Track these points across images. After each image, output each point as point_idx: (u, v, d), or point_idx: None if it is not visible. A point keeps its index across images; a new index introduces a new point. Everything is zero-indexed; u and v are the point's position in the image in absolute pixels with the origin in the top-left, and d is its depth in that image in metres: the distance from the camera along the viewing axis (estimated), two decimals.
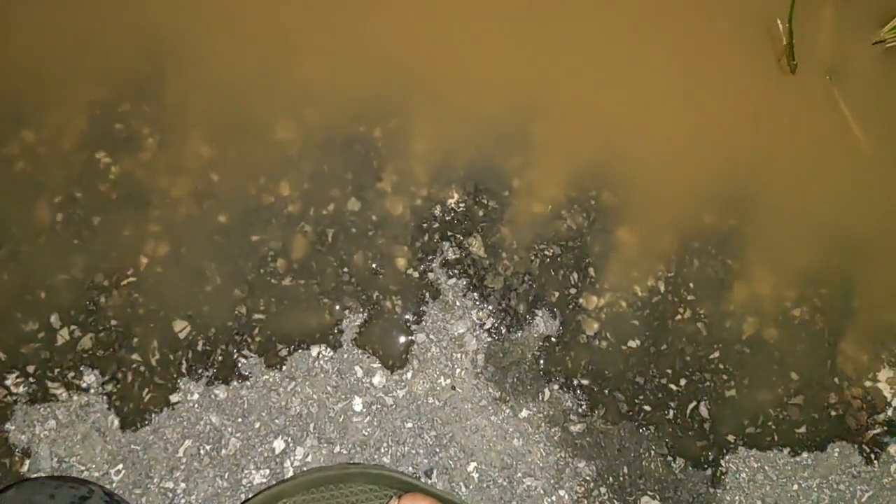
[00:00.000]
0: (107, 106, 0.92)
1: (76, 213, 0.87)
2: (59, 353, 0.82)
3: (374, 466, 0.78)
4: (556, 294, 0.90)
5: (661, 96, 0.98)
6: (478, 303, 0.88)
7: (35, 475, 0.78)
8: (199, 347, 0.84)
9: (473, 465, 0.83)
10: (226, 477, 0.80)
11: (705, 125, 0.98)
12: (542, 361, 0.87)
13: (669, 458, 0.85)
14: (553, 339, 0.88)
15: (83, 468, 0.79)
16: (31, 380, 0.81)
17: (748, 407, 0.88)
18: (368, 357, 0.85)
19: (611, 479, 0.84)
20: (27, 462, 0.79)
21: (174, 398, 0.82)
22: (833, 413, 0.89)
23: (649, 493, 0.84)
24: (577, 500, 0.82)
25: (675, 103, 0.98)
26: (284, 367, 0.84)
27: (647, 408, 0.87)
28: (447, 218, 0.92)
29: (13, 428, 0.80)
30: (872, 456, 0.88)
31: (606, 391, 0.87)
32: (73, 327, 0.83)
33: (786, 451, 0.87)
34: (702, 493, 0.85)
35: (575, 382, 0.87)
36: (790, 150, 0.98)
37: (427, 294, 0.88)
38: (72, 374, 0.82)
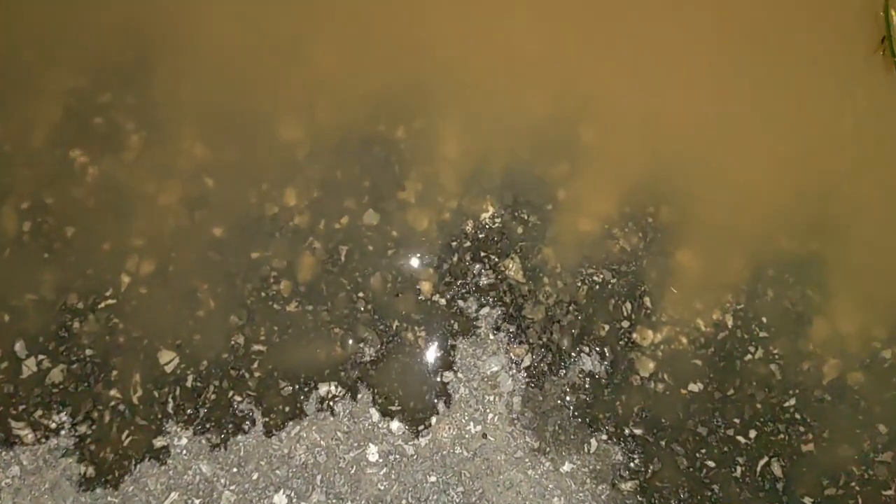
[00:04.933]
0: (84, 96, 0.84)
1: (46, 222, 0.80)
2: (25, 388, 0.75)
3: None
4: (606, 327, 0.81)
5: (734, 100, 0.89)
6: (514, 336, 0.80)
7: None
8: (189, 383, 0.77)
9: None
10: None
11: (785, 134, 0.89)
12: (588, 407, 0.79)
13: None
14: (601, 380, 0.80)
15: None
16: None
17: (828, 464, 0.80)
18: (386, 398, 0.77)
19: None
20: None
21: (159, 443, 0.75)
22: None
23: None
24: None
25: (750, 109, 0.89)
26: (288, 409, 0.76)
27: (711, 463, 0.78)
28: (480, 235, 0.83)
29: None
30: None
31: (663, 443, 0.78)
32: (41, 357, 0.76)
33: None
34: None
35: (626, 432, 0.78)
36: (880, 163, 0.89)
37: (456, 325, 0.80)
38: (39, 412, 0.74)
